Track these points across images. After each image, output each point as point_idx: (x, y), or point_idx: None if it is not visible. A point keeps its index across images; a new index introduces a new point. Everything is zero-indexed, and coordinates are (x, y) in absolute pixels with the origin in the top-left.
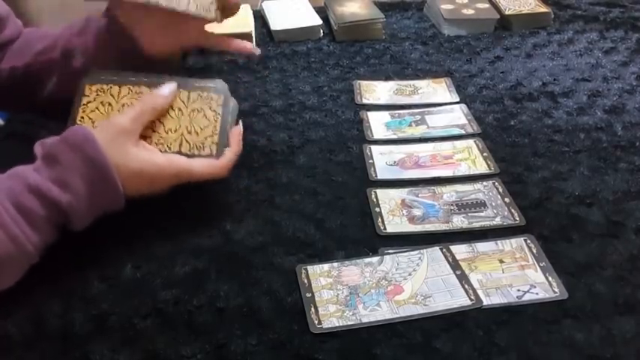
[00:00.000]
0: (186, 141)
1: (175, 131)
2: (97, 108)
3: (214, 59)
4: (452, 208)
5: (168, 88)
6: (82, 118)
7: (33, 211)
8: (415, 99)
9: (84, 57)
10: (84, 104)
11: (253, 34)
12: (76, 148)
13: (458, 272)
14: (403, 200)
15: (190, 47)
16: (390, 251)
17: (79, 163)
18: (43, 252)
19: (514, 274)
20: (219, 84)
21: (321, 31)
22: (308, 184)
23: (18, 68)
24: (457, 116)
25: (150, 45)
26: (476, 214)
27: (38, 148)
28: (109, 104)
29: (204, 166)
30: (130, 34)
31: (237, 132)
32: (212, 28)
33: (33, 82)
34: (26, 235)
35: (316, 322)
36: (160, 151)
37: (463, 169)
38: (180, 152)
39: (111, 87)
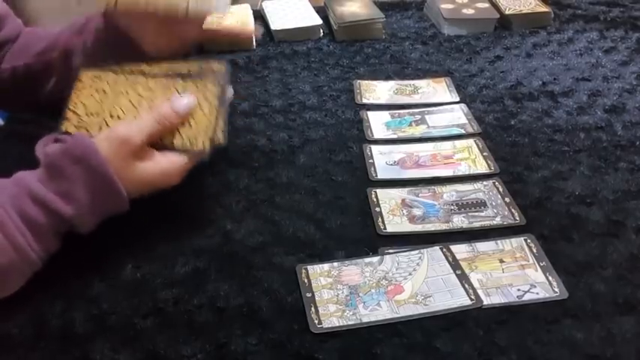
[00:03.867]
0: (180, 135)
1: None
2: (91, 95)
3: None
4: (452, 207)
5: (185, 105)
6: (76, 103)
7: (38, 221)
8: (415, 99)
9: (83, 57)
10: (78, 89)
11: (253, 34)
12: (79, 160)
13: (458, 272)
14: (403, 200)
15: (190, 45)
16: (390, 251)
17: (82, 175)
18: (46, 260)
19: (514, 274)
20: (217, 70)
21: (321, 30)
22: (308, 184)
23: (18, 68)
24: (457, 116)
25: (150, 45)
26: (476, 213)
27: (40, 151)
28: (104, 91)
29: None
30: (128, 34)
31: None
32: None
33: (33, 81)
34: (30, 245)
35: (316, 321)
36: (155, 143)
37: (463, 169)
38: (172, 145)
39: (107, 74)
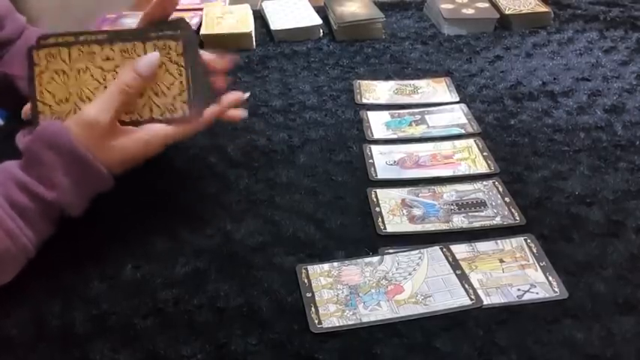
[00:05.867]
0: (156, 105)
1: (142, 96)
2: (52, 79)
3: None
4: (452, 207)
5: (146, 65)
6: (42, 92)
7: (25, 206)
8: (415, 98)
9: None
10: (37, 75)
11: (253, 34)
12: (51, 146)
13: (458, 272)
14: (403, 200)
15: None
16: (390, 251)
17: (58, 160)
18: (39, 246)
19: (514, 274)
20: (176, 28)
21: (321, 30)
22: (308, 184)
23: (11, 77)
24: (457, 116)
25: None
26: (476, 213)
27: (21, 141)
28: (64, 72)
29: (184, 128)
30: None
31: (236, 96)
32: (212, 29)
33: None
34: (21, 229)
35: (316, 321)
36: (132, 120)
37: (463, 169)
38: (152, 119)
39: (59, 50)
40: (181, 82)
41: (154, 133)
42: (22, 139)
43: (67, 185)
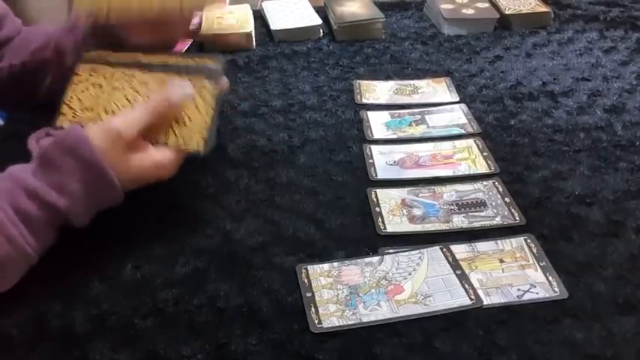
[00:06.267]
0: (174, 133)
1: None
2: (87, 88)
3: None
4: (452, 207)
5: (179, 97)
6: (72, 97)
7: (32, 214)
8: (415, 99)
9: (75, 54)
10: (75, 84)
11: (253, 34)
12: (70, 152)
13: (458, 272)
14: (403, 200)
15: (173, 42)
16: (390, 251)
17: (74, 167)
18: (42, 253)
19: (514, 274)
20: (214, 67)
21: (321, 30)
22: (308, 184)
23: (16, 66)
24: (457, 116)
25: (135, 40)
26: (476, 213)
27: (33, 144)
28: (100, 85)
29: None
30: (116, 29)
31: None
32: (212, 29)
33: (30, 79)
34: (25, 238)
35: (316, 321)
36: (150, 141)
37: (463, 169)
38: (165, 145)
39: (105, 68)
40: (205, 121)
41: (167, 155)
42: (34, 144)
43: (79, 192)
